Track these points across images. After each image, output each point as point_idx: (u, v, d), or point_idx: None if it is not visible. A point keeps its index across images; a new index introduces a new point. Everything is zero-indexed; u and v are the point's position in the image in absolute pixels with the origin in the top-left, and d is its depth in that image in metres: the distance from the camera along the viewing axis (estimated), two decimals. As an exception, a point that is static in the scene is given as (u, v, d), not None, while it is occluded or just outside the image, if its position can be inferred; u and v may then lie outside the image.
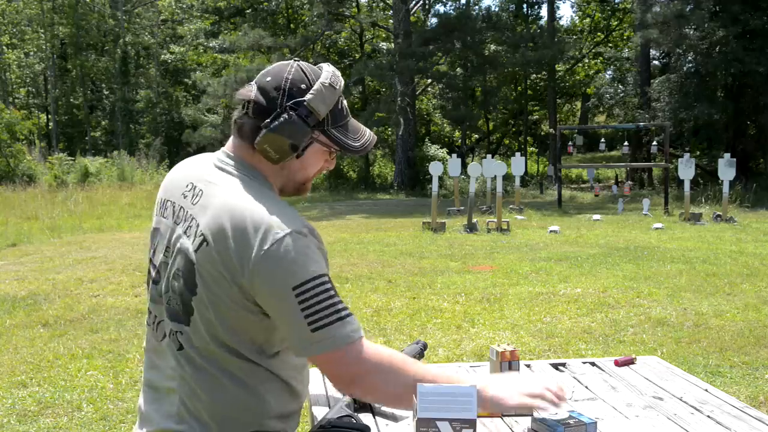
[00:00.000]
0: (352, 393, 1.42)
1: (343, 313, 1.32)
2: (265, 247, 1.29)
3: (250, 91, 1.41)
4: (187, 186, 1.44)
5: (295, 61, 1.45)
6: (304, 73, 1.40)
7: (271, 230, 1.30)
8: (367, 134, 1.49)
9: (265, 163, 1.42)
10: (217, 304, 1.34)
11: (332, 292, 1.32)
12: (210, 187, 1.40)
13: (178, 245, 1.39)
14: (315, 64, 1.48)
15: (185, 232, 1.39)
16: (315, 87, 1.38)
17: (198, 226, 1.36)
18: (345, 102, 1.46)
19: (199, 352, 1.39)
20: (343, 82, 1.44)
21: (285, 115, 1.36)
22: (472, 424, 1.56)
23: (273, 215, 1.32)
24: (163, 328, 1.45)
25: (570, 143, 18.34)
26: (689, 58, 21.08)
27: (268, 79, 1.40)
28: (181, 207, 1.43)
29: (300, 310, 1.29)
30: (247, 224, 1.31)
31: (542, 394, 1.52)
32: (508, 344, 1.99)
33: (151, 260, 1.51)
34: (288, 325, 1.33)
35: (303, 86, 1.38)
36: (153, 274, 1.49)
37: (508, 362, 1.91)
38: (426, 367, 1.46)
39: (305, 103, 1.36)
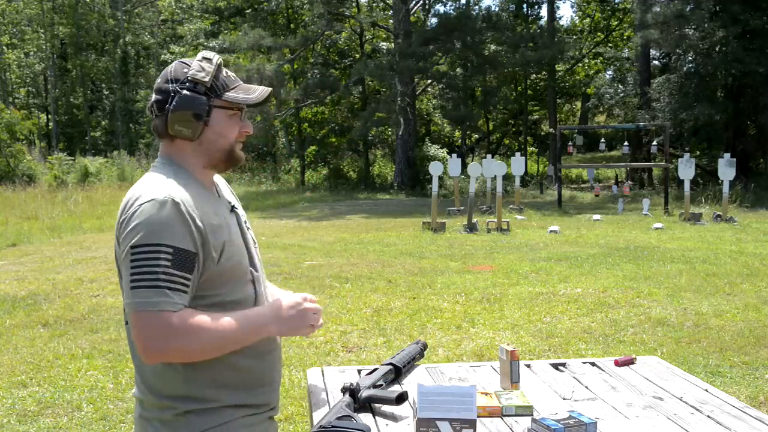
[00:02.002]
0: (147, 357, 1.48)
1: (163, 284, 1.42)
2: (128, 212, 1.48)
3: (150, 103, 1.62)
4: None
5: (177, 59, 1.68)
6: (184, 62, 1.62)
7: (138, 200, 1.48)
8: (260, 89, 1.64)
9: (180, 148, 1.60)
10: (121, 276, 1.52)
11: (165, 263, 1.43)
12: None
13: None
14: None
15: None
16: (192, 65, 1.59)
17: None
18: (232, 73, 1.64)
19: (128, 323, 1.54)
20: (218, 58, 1.62)
21: (177, 94, 1.56)
22: (472, 424, 1.57)
23: (148, 188, 1.50)
24: None
25: (570, 143, 18.32)
26: (689, 58, 21.06)
27: (158, 80, 1.62)
28: None
29: (129, 267, 1.43)
30: (127, 199, 1.52)
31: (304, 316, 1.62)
32: (508, 344, 1.99)
33: None
34: (123, 281, 1.46)
35: (185, 70, 1.59)
36: None
37: (517, 362, 1.91)
38: (222, 319, 1.51)
39: (188, 77, 1.57)
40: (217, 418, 1.57)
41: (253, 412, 1.62)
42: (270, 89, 1.65)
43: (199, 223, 1.49)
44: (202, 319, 1.48)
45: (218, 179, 1.81)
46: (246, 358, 1.60)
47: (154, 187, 1.51)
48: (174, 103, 1.55)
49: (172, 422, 1.57)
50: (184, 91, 1.56)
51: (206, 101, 1.57)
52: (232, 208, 1.70)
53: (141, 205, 1.47)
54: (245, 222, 1.76)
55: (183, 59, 1.64)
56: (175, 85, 1.57)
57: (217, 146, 1.61)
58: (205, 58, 1.60)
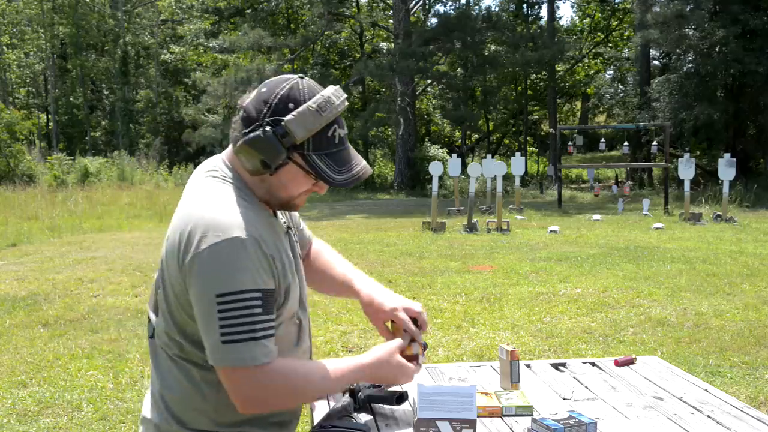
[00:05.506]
0: (246, 411, 1.41)
1: (260, 334, 1.32)
2: (200, 250, 1.30)
3: (247, 97, 1.41)
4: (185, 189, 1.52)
5: (299, 76, 1.41)
6: (300, 90, 1.37)
7: (208, 234, 1.30)
8: (357, 168, 1.41)
9: (244, 167, 1.41)
10: (170, 300, 1.41)
11: (257, 310, 1.31)
12: (188, 190, 1.46)
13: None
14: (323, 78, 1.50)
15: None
16: (300, 108, 1.34)
17: (170, 225, 1.43)
18: (342, 131, 1.40)
19: (161, 342, 1.46)
20: (337, 109, 1.37)
21: (260, 131, 1.34)
22: (472, 424, 1.56)
23: (219, 219, 1.32)
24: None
25: (570, 143, 18.32)
26: (689, 58, 21.07)
27: (264, 89, 1.39)
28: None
29: (218, 319, 1.30)
30: (192, 226, 1.33)
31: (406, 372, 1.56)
32: (508, 344, 1.99)
33: None
34: (205, 329, 1.34)
35: (291, 105, 1.35)
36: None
37: (517, 362, 1.91)
38: (324, 373, 1.44)
39: (283, 122, 1.33)
40: None
41: None
42: (367, 172, 1.42)
43: (278, 264, 1.38)
44: (297, 367, 1.40)
45: None
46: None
47: (224, 216, 1.33)
48: (251, 136, 1.34)
49: None
50: (269, 134, 1.33)
51: (284, 156, 1.35)
52: (287, 230, 1.53)
53: (216, 243, 1.30)
54: (296, 241, 1.59)
55: (302, 84, 1.38)
56: (269, 116, 1.35)
57: (277, 194, 1.43)
58: (318, 110, 1.34)
